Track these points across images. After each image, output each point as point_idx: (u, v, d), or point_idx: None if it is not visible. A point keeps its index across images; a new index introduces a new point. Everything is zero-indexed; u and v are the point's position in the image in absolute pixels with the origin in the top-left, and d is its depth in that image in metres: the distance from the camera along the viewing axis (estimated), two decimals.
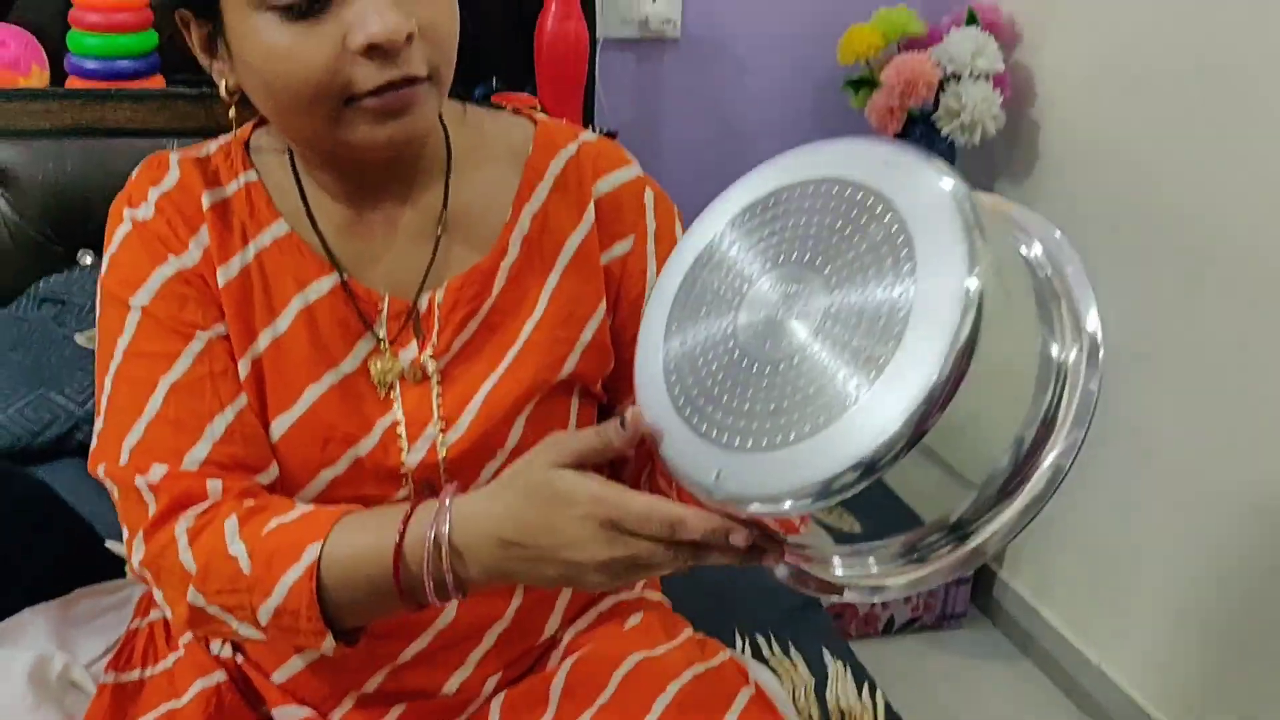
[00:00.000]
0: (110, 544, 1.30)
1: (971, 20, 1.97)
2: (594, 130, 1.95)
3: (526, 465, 0.75)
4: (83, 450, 1.45)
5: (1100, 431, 2.01)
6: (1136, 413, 1.82)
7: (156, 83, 1.79)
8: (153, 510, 0.83)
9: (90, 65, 1.74)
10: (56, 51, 1.77)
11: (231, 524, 0.81)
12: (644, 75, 2.09)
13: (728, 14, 2.08)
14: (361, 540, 0.79)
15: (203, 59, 0.87)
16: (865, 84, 2.01)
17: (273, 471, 0.88)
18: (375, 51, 0.77)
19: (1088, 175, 1.91)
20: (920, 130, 1.98)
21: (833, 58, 2.02)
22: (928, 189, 0.64)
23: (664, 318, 0.75)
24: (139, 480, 0.83)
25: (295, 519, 0.82)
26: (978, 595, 2.19)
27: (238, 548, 0.80)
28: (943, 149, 2.00)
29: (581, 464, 0.74)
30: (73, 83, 1.76)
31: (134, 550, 0.85)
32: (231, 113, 0.88)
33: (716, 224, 0.75)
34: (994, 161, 2.13)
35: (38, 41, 1.75)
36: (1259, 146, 1.58)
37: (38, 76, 1.74)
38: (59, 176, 1.70)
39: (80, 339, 1.58)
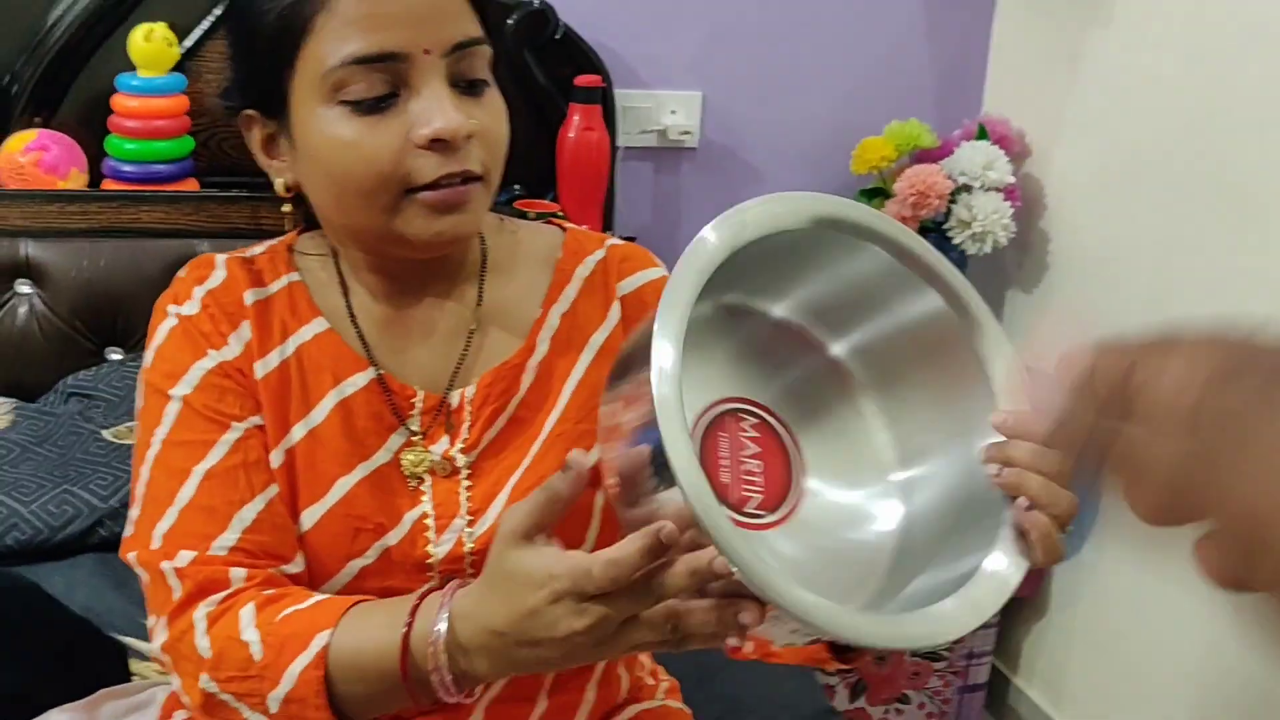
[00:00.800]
0: (123, 638, 1.31)
1: (982, 134, 2.03)
2: (613, 235, 2.00)
3: (495, 551, 0.76)
4: (104, 546, 1.49)
5: (1117, 542, 2.00)
6: None
7: (190, 185, 1.84)
8: (177, 595, 0.85)
9: (127, 169, 1.79)
10: (94, 154, 1.83)
11: (248, 611, 0.83)
12: (662, 182, 2.15)
13: (744, 125, 2.14)
14: (369, 631, 0.80)
15: (261, 158, 0.92)
16: (878, 193, 2.06)
17: (299, 562, 0.89)
18: (437, 145, 0.83)
19: (1096, 285, 1.94)
20: (932, 239, 2.02)
21: (846, 168, 2.08)
22: None
23: None
24: (165, 565, 0.85)
25: (308, 607, 0.83)
26: (993, 703, 2.17)
27: (251, 634, 0.82)
28: (954, 258, 2.04)
29: (539, 528, 0.74)
30: (108, 184, 1.81)
31: (156, 635, 0.86)
32: (285, 208, 0.93)
33: None
34: (1005, 271, 2.17)
35: (78, 145, 1.81)
36: (1265, 256, 1.61)
37: (76, 179, 1.79)
38: (92, 274, 1.74)
39: (108, 434, 1.60)
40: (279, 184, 0.91)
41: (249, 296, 0.93)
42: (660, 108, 2.08)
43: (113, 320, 1.76)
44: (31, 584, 1.30)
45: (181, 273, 0.95)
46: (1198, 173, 1.72)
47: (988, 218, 1.94)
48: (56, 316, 1.74)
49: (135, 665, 1.32)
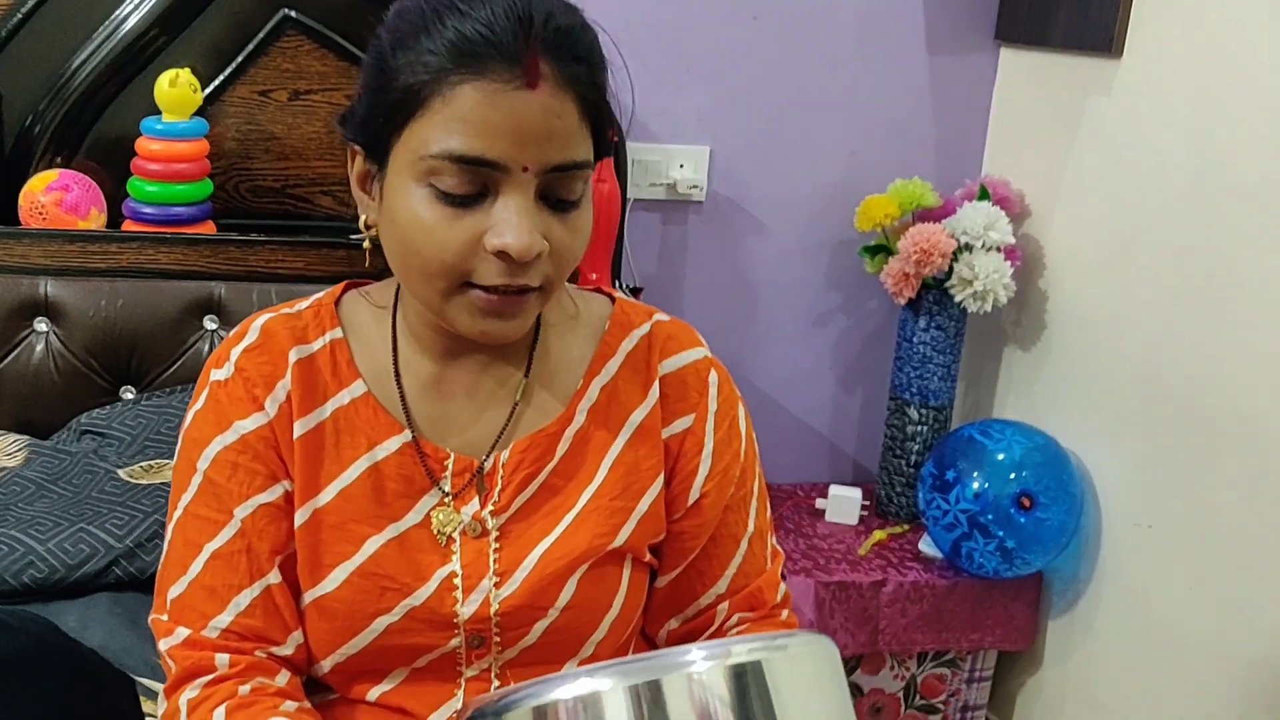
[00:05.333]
0: (138, 678, 1.33)
1: (983, 195, 2.07)
2: (620, 284, 2.03)
3: None
4: (119, 585, 1.50)
5: (1110, 597, 2.03)
6: (1143, 579, 1.86)
7: (207, 228, 1.87)
8: (172, 672, 0.92)
9: (148, 210, 1.82)
10: (112, 194, 1.86)
11: (219, 715, 0.88)
12: (669, 234, 2.19)
13: (750, 180, 2.19)
14: None
15: (355, 189, 0.94)
16: (881, 250, 2.10)
17: (289, 645, 0.93)
18: (504, 257, 0.85)
19: (1094, 344, 1.99)
20: (934, 296, 2.06)
21: (850, 224, 2.12)
22: None
23: None
24: (163, 644, 0.92)
25: None
26: None
27: None
28: (955, 315, 2.08)
29: None
30: (128, 225, 1.84)
31: (159, 704, 0.93)
32: (366, 244, 0.95)
33: None
34: (1003, 328, 2.22)
35: (98, 186, 1.84)
36: (1257, 321, 1.65)
37: (95, 219, 1.82)
38: (109, 314, 1.76)
39: (123, 474, 1.62)
40: (361, 219, 0.94)
41: (293, 354, 0.95)
42: (670, 161, 2.13)
43: (128, 360, 1.78)
44: (47, 622, 1.31)
45: (229, 334, 0.98)
46: (1193, 241, 1.76)
47: (989, 277, 1.98)
48: (72, 354, 1.76)
49: (147, 705, 1.33)
